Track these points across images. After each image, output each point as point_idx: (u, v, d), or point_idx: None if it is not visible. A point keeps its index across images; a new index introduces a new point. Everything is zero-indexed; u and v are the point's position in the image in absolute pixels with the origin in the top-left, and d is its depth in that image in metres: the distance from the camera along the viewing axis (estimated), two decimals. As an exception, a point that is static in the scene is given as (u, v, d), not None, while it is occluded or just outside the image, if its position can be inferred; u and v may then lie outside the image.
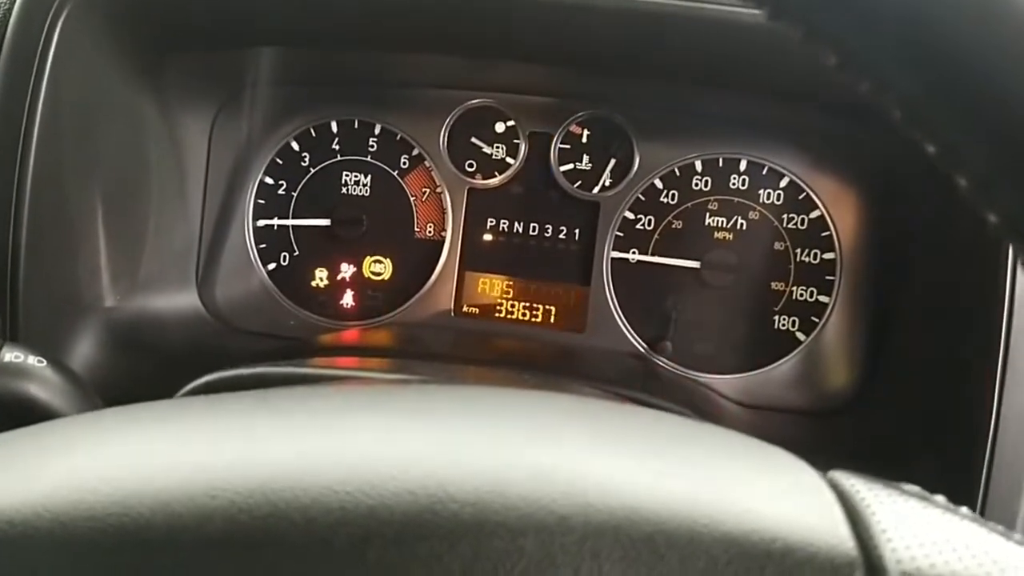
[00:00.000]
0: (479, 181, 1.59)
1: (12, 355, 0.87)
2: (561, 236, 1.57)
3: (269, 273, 1.63)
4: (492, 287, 1.59)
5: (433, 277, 1.59)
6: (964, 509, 0.56)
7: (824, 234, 1.49)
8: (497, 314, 1.58)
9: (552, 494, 0.55)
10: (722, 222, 1.52)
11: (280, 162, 1.62)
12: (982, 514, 1.07)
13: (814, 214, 1.50)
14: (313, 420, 0.60)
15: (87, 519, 0.48)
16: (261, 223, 1.62)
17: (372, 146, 1.60)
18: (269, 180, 1.62)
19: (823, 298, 1.50)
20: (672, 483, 0.56)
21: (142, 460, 0.53)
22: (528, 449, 0.58)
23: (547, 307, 1.57)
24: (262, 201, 1.63)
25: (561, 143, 1.56)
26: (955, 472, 1.15)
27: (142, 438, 0.57)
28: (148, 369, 1.35)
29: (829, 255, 1.49)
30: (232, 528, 0.48)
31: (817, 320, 1.50)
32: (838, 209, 1.49)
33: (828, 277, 1.49)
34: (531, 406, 0.67)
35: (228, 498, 0.49)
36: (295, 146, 1.62)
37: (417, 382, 0.89)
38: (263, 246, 1.63)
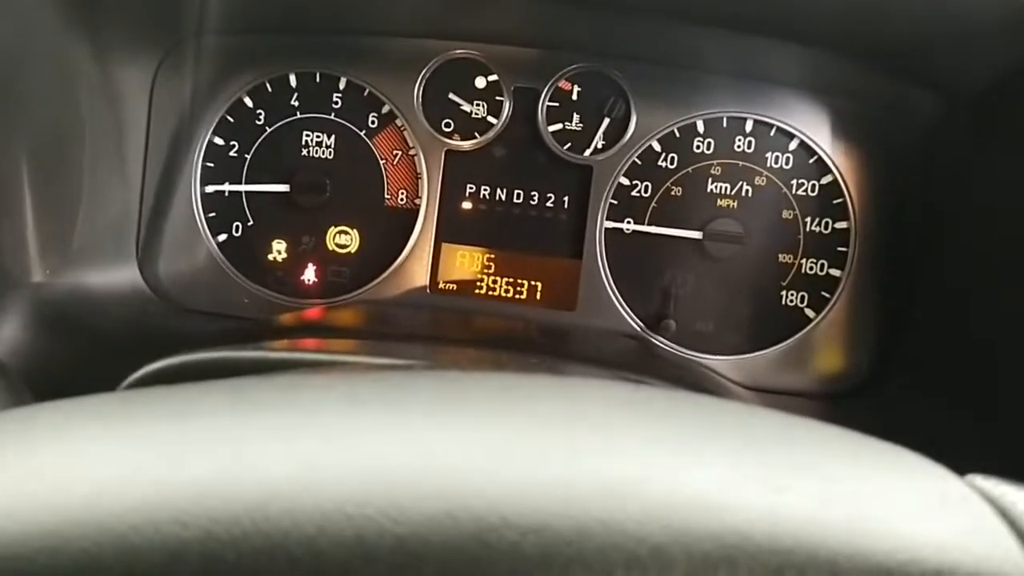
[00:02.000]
0: (457, 142, 1.44)
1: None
2: (549, 204, 1.43)
3: (219, 245, 1.47)
4: (472, 261, 1.44)
5: (406, 250, 1.44)
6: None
7: (837, 201, 1.37)
8: (478, 291, 1.44)
9: (638, 516, 0.41)
10: (726, 188, 1.39)
11: (231, 120, 1.46)
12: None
13: (826, 179, 1.38)
14: (309, 417, 0.45)
15: (8, 556, 0.36)
16: (210, 189, 1.47)
17: (336, 102, 1.45)
18: (219, 140, 1.46)
19: (835, 271, 1.38)
20: (792, 499, 0.42)
21: (84, 474, 0.41)
22: (598, 455, 0.43)
23: (533, 283, 1.43)
24: (211, 164, 1.46)
25: (549, 100, 1.42)
26: (998, 458, 1.04)
27: (84, 444, 0.44)
28: (83, 354, 1.22)
29: (842, 224, 1.38)
30: (211, 569, 0.37)
31: (828, 295, 1.38)
32: (853, 174, 1.37)
33: (840, 249, 1.38)
34: (581, 397, 0.52)
35: (203, 527, 0.38)
36: (248, 102, 1.46)
37: (421, 366, 0.73)
38: (212, 215, 1.47)
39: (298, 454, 0.42)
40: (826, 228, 1.38)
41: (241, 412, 0.47)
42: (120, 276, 1.38)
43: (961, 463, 1.12)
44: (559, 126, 1.42)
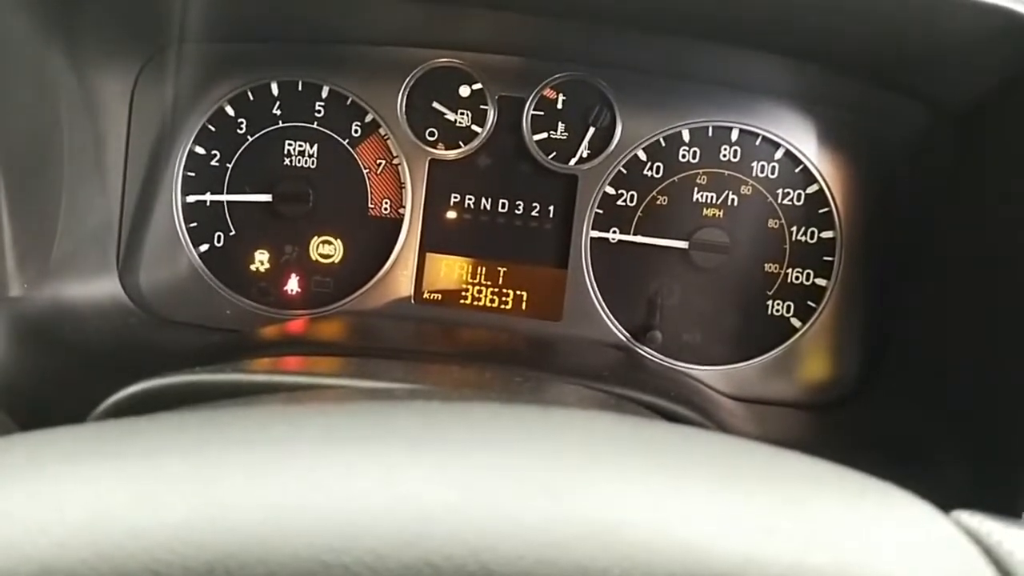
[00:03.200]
0: (441, 151, 1.42)
1: None
2: (534, 213, 1.42)
3: (201, 256, 1.45)
4: (457, 270, 1.43)
5: (390, 260, 1.43)
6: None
7: (822, 211, 1.37)
8: (463, 301, 1.43)
9: (622, 563, 0.40)
10: (711, 198, 1.38)
11: (212, 129, 1.44)
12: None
13: (811, 189, 1.37)
14: (284, 457, 0.44)
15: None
16: (191, 199, 1.45)
17: (319, 111, 1.43)
18: (200, 150, 1.44)
19: (821, 281, 1.38)
20: (778, 543, 0.42)
21: (56, 515, 0.40)
22: (581, 499, 0.43)
23: (519, 292, 1.42)
24: (192, 174, 1.44)
25: (534, 109, 1.40)
26: (988, 471, 1.04)
27: (56, 483, 0.43)
28: (62, 369, 1.20)
29: (828, 234, 1.37)
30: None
31: (814, 305, 1.38)
32: (838, 184, 1.37)
33: (826, 258, 1.38)
34: (563, 433, 0.51)
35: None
36: (230, 111, 1.44)
37: (403, 392, 0.72)
38: (194, 225, 1.45)
39: (272, 498, 0.41)
40: (812, 237, 1.38)
41: (215, 451, 0.46)
42: (100, 288, 1.36)
43: (946, 472, 1.12)
44: (544, 135, 1.41)
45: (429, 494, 0.41)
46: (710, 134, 1.38)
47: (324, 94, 1.43)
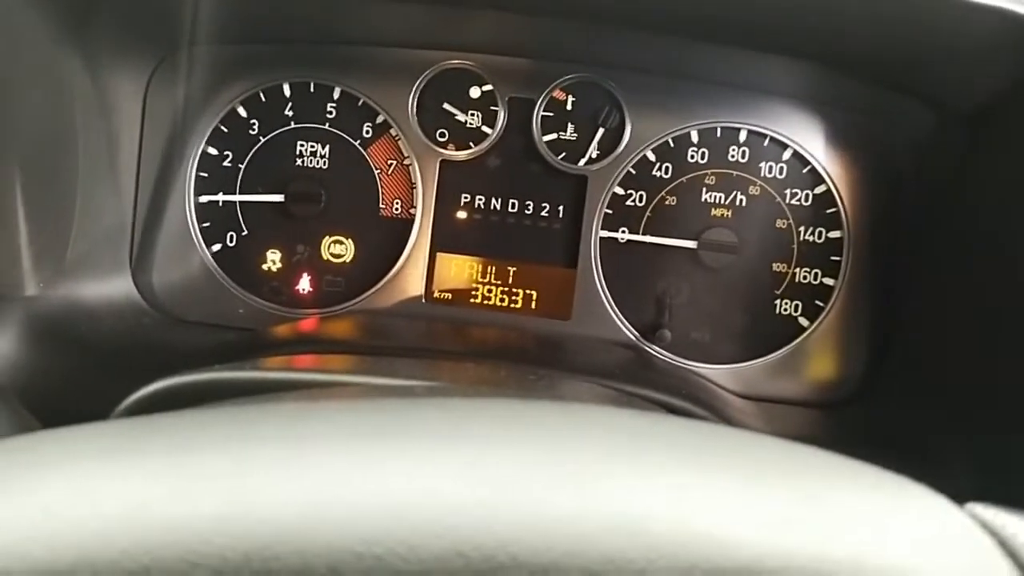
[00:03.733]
0: (452, 152, 1.43)
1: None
2: (544, 213, 1.43)
3: (214, 255, 1.46)
4: (467, 270, 1.44)
5: (401, 259, 1.44)
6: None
7: (830, 211, 1.38)
8: (473, 300, 1.44)
9: (648, 554, 0.41)
10: (720, 198, 1.39)
11: (225, 130, 1.45)
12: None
13: (819, 189, 1.38)
14: (313, 453, 0.45)
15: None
16: (204, 199, 1.45)
17: (331, 112, 1.44)
18: (212, 150, 1.45)
19: (828, 280, 1.39)
20: (798, 534, 0.43)
21: (94, 509, 0.41)
22: (606, 491, 0.44)
23: (528, 292, 1.43)
24: (204, 174, 1.45)
25: (544, 110, 1.41)
26: (996, 469, 1.04)
27: (92, 478, 0.43)
28: (78, 367, 1.21)
29: (835, 234, 1.38)
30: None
31: (822, 304, 1.39)
32: (846, 184, 1.37)
33: (834, 258, 1.38)
34: (586, 427, 0.52)
35: (214, 567, 0.39)
36: (242, 112, 1.45)
37: (422, 389, 0.73)
38: (206, 225, 1.46)
39: (305, 492, 0.42)
40: (819, 237, 1.39)
41: (246, 448, 0.47)
42: (114, 288, 1.37)
43: (953, 470, 1.13)
44: (554, 136, 1.42)
45: (459, 487, 0.42)
46: (718, 135, 1.39)
47: (336, 95, 1.44)
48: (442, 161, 1.43)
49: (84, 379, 1.16)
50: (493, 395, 0.69)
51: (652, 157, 1.40)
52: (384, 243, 1.44)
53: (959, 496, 1.11)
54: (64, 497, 0.42)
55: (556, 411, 0.54)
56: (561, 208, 1.43)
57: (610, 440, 0.49)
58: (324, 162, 1.44)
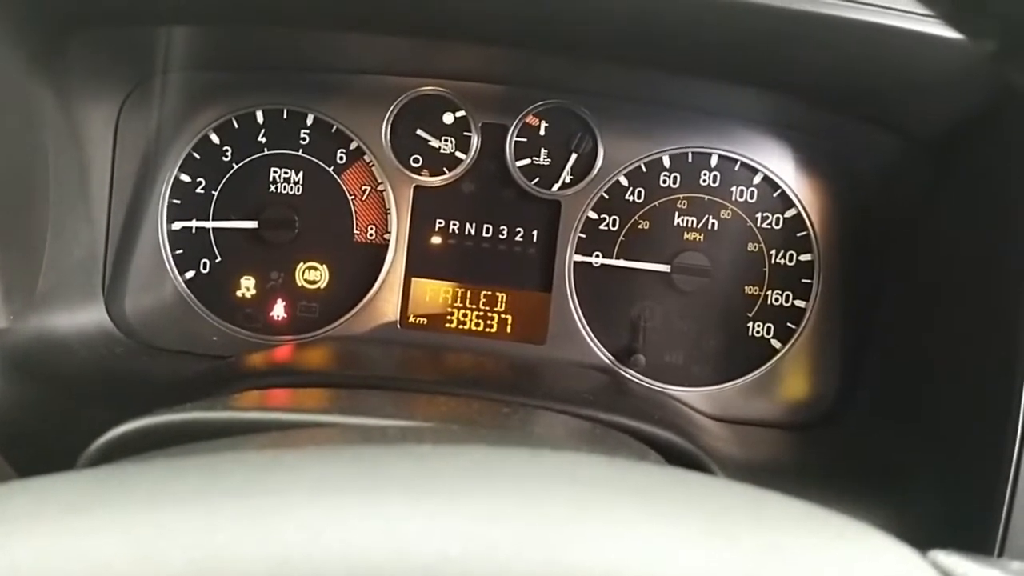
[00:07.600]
0: (426, 178, 1.44)
1: None
2: (518, 238, 1.44)
3: (187, 282, 1.45)
4: (442, 295, 1.44)
5: (376, 285, 1.44)
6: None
7: (800, 234, 1.40)
8: (448, 325, 1.44)
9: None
10: (692, 222, 1.41)
11: (198, 157, 1.45)
12: (1004, 537, 0.98)
13: (790, 213, 1.40)
14: (288, 506, 0.45)
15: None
16: (177, 226, 1.45)
17: (304, 139, 1.44)
18: (185, 177, 1.45)
19: (800, 303, 1.40)
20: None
21: (60, 567, 0.41)
22: (579, 544, 0.44)
23: (503, 316, 1.43)
24: (177, 201, 1.45)
25: (517, 136, 1.42)
26: (963, 490, 1.06)
27: (57, 536, 0.43)
28: (50, 400, 1.19)
29: (806, 257, 1.40)
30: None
31: (794, 327, 1.40)
32: (816, 207, 1.39)
33: (805, 280, 1.40)
34: (552, 479, 0.52)
35: None
36: (215, 139, 1.44)
37: (395, 431, 0.73)
38: (179, 252, 1.45)
39: (273, 548, 0.43)
40: (791, 260, 1.40)
41: (215, 502, 0.47)
42: (87, 317, 1.35)
43: (921, 492, 1.14)
44: (527, 161, 1.42)
45: (428, 545, 0.43)
46: (690, 160, 1.41)
47: (309, 122, 1.44)
48: (416, 187, 1.44)
49: (58, 411, 1.15)
50: (465, 434, 0.70)
51: (625, 182, 1.41)
52: (359, 269, 1.44)
53: (927, 519, 1.12)
54: (32, 556, 0.42)
55: (523, 460, 0.54)
56: (535, 233, 1.44)
57: (578, 492, 0.50)
58: (298, 188, 1.44)
